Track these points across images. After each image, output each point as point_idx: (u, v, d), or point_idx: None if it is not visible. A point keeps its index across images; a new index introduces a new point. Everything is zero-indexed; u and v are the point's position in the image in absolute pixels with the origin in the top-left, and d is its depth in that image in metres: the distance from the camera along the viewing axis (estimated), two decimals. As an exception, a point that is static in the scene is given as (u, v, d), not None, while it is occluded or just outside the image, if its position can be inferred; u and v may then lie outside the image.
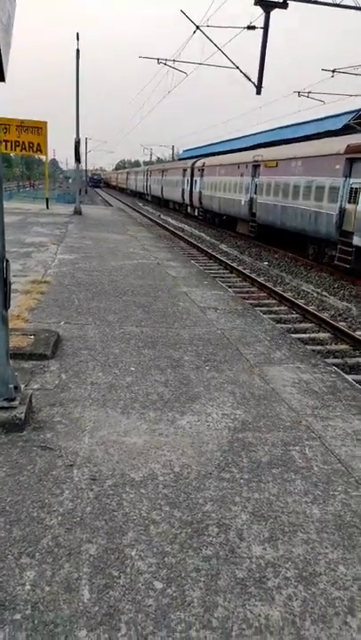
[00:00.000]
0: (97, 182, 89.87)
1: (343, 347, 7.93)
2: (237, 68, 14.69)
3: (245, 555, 2.41)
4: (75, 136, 20.58)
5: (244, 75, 14.17)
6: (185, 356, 4.97)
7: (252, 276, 13.95)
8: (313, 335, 8.45)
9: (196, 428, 3.55)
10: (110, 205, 41.89)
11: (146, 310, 6.63)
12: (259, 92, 13.74)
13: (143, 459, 3.12)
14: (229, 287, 11.49)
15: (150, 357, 4.87)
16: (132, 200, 57.65)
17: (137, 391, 4.08)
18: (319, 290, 12.66)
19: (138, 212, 38.57)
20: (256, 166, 20.95)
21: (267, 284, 12.78)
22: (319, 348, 7.75)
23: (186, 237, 23.10)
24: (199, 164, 31.62)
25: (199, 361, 4.87)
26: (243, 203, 22.44)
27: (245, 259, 17.90)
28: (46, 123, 21.21)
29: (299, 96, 20.86)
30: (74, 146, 20.72)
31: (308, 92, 20.77)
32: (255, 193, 21.05)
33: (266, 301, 11.64)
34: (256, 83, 13.61)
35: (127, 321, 6.08)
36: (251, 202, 21.61)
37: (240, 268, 15.46)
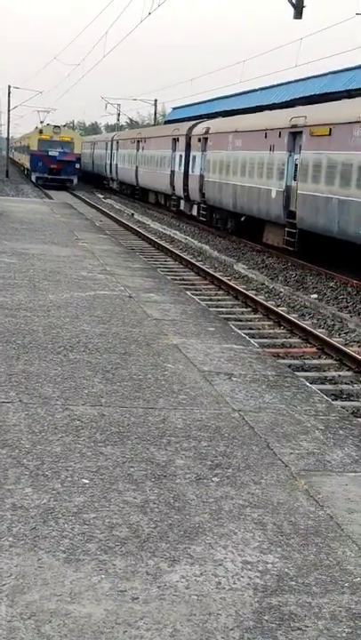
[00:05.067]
0: (58, 172, 56.99)
1: None
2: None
3: None
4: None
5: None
6: (177, 459, 4.97)
7: (292, 318, 14.09)
8: None
9: (197, 587, 3.53)
10: (48, 198, 42.67)
11: (109, 378, 6.68)
12: (299, 16, 14.37)
13: (104, 644, 3.06)
14: (252, 337, 11.57)
15: (117, 461, 4.88)
16: (86, 188, 58.81)
17: (93, 521, 4.07)
18: None
19: (96, 207, 39.26)
20: (296, 134, 21.60)
21: (317, 333, 12.88)
22: None
23: (177, 252, 23.46)
24: (200, 129, 32.61)
25: (202, 467, 4.88)
26: (274, 195, 22.99)
27: (279, 288, 18.13)
28: None
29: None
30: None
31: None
32: (295, 179, 21.59)
33: (316, 361, 11.73)
34: (294, 0, 14.28)
35: (76, 396, 6.12)
36: (287, 194, 22.13)
37: (270, 303, 15.63)
